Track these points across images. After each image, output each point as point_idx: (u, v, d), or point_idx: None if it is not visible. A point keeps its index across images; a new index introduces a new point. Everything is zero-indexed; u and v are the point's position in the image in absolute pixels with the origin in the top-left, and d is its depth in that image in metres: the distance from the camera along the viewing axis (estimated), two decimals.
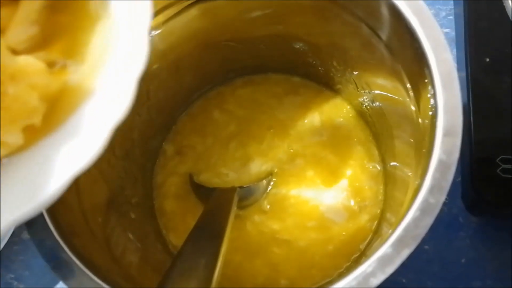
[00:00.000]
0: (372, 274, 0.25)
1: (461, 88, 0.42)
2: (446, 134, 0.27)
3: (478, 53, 0.42)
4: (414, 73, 0.30)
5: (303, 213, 0.43)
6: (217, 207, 0.37)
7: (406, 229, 0.26)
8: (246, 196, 0.43)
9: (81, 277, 0.28)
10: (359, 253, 0.42)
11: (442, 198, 0.26)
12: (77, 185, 0.33)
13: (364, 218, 0.43)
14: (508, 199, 0.39)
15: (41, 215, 0.29)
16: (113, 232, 0.35)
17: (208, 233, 0.32)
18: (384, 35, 0.32)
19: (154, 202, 0.46)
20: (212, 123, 0.47)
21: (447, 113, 0.27)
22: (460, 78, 0.44)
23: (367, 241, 0.42)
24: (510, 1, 0.38)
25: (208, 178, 0.45)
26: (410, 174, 0.34)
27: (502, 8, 0.40)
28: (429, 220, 0.26)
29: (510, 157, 0.39)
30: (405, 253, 0.25)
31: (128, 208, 0.40)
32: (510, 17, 0.40)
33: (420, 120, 0.31)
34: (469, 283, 0.43)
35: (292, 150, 0.45)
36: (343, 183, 0.44)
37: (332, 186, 0.44)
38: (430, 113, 0.28)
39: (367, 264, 0.25)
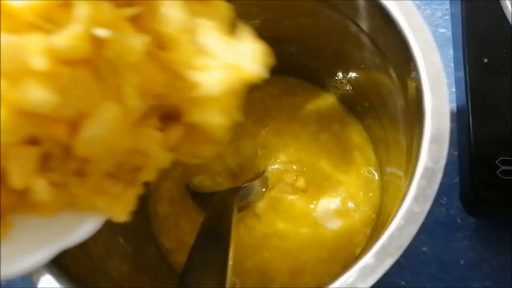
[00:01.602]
0: (352, 284, 0.24)
1: (459, 89, 0.42)
2: (433, 140, 0.26)
3: (476, 54, 0.42)
4: (404, 77, 0.29)
5: (297, 218, 0.42)
6: (219, 211, 0.37)
7: (390, 238, 0.25)
8: (241, 198, 0.42)
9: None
10: (353, 259, 0.41)
11: (427, 206, 0.25)
12: None
13: (359, 224, 0.42)
14: (508, 201, 0.39)
15: None
16: (99, 237, 0.35)
17: (214, 238, 0.32)
18: (375, 37, 0.32)
19: (148, 205, 0.45)
20: None
21: (435, 118, 0.26)
22: (458, 78, 0.43)
23: (362, 247, 0.41)
24: (508, 2, 0.37)
25: (202, 181, 0.45)
26: (402, 181, 0.33)
27: (500, 8, 0.39)
28: (413, 229, 0.25)
29: (509, 158, 0.39)
30: (388, 262, 0.25)
31: None
32: (508, 17, 0.39)
33: (411, 125, 0.30)
34: (468, 284, 0.42)
35: (288, 153, 0.44)
36: (339, 188, 0.43)
37: (327, 191, 0.43)
38: (419, 118, 0.27)
39: (348, 275, 0.25)
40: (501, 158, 0.39)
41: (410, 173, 0.27)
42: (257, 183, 0.43)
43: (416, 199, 0.25)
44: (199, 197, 0.44)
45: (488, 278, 0.42)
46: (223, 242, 0.31)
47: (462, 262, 0.43)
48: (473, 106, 0.40)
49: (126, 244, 0.38)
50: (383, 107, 0.38)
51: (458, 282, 0.42)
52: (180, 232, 0.43)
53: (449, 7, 0.48)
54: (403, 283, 0.42)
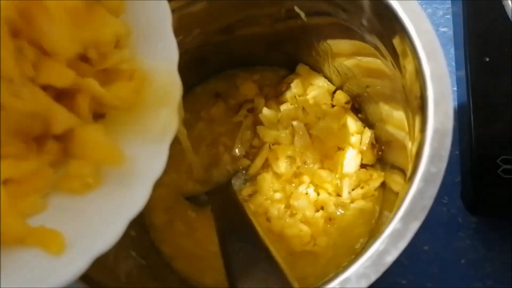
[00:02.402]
0: (385, 251, 0.25)
1: (461, 88, 0.42)
2: (437, 103, 0.27)
3: (478, 53, 0.42)
4: (396, 49, 0.30)
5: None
6: (225, 207, 0.37)
7: (413, 202, 0.26)
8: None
9: None
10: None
11: (443, 166, 0.26)
12: None
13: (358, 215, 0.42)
14: (509, 200, 0.39)
15: None
16: (115, 253, 0.34)
17: (239, 231, 0.32)
18: (363, 18, 0.32)
19: (144, 217, 0.45)
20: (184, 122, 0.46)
21: (435, 82, 0.27)
22: (459, 77, 0.44)
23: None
24: (510, 1, 0.38)
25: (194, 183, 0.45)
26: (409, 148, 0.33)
27: (502, 7, 0.39)
28: (433, 190, 0.26)
29: (511, 157, 0.39)
30: (415, 225, 0.25)
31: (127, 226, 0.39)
32: (510, 16, 0.39)
33: (409, 96, 0.31)
34: (469, 283, 0.42)
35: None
36: (332, 180, 0.42)
37: (318, 184, 0.43)
38: (418, 86, 0.28)
39: (379, 242, 0.25)
40: (502, 157, 0.39)
41: (416, 143, 0.28)
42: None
43: (431, 160, 0.26)
44: (194, 200, 0.44)
45: (489, 277, 0.42)
46: (251, 231, 0.31)
47: (463, 261, 0.43)
48: (474, 105, 0.40)
49: (138, 257, 0.38)
50: (376, 88, 0.39)
51: (459, 282, 0.42)
52: (178, 238, 0.43)
53: (450, 6, 0.48)
54: (404, 282, 0.43)
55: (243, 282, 0.27)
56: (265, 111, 0.44)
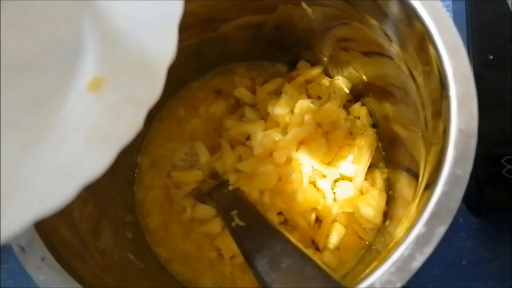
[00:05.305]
0: (410, 257, 0.24)
1: None
2: (461, 103, 0.26)
3: (481, 50, 0.40)
4: (414, 47, 0.29)
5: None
6: (232, 203, 0.36)
7: (438, 205, 0.25)
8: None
9: None
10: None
11: (469, 168, 0.25)
12: (70, 213, 0.30)
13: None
14: None
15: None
16: (113, 255, 0.33)
17: (255, 228, 0.31)
18: (379, 16, 0.31)
19: (138, 219, 0.43)
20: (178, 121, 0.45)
21: (458, 81, 0.26)
22: None
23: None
24: None
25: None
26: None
27: (505, 5, 0.38)
28: (459, 193, 0.25)
29: None
30: (441, 230, 0.24)
31: (123, 227, 0.38)
32: None
33: (425, 96, 0.30)
34: (470, 284, 0.42)
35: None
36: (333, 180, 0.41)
37: (317, 184, 0.41)
38: (440, 85, 0.27)
39: (403, 247, 0.24)
40: (507, 157, 0.38)
41: (438, 144, 0.27)
42: None
43: (456, 162, 0.25)
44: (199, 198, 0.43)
45: (490, 278, 0.42)
46: (268, 226, 0.30)
47: (464, 262, 0.42)
48: (478, 104, 0.39)
49: (136, 260, 0.37)
50: (382, 85, 0.38)
51: (460, 283, 0.42)
52: (173, 239, 0.42)
53: (451, 3, 0.47)
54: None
55: (277, 281, 0.26)
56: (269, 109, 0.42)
